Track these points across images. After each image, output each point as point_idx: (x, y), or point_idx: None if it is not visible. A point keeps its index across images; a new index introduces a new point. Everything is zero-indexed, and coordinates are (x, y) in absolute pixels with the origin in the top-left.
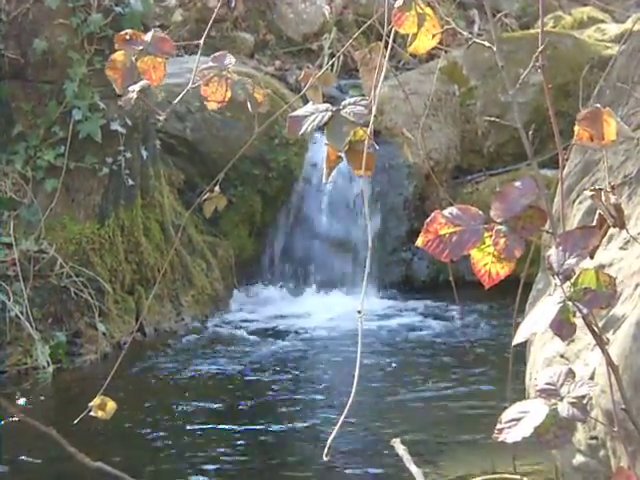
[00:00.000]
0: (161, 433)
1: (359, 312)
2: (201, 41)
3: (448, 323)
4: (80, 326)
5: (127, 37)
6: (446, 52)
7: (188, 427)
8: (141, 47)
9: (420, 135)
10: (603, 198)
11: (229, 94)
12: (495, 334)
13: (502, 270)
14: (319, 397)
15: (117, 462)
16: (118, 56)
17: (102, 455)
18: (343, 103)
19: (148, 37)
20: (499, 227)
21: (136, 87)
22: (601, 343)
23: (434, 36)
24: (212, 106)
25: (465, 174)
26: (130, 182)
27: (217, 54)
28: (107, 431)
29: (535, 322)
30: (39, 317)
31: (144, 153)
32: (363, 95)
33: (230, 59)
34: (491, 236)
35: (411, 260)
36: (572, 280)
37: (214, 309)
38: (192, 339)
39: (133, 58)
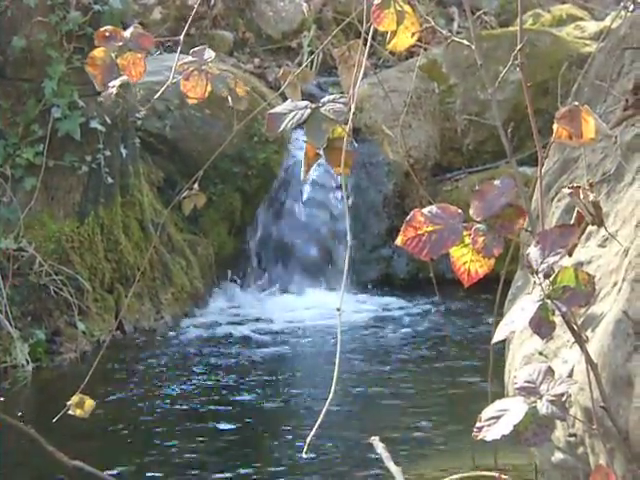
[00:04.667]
0: (140, 432)
1: (338, 309)
2: (181, 37)
3: (427, 320)
4: (59, 324)
5: (107, 34)
6: (425, 50)
7: (167, 425)
8: (121, 43)
9: (400, 133)
10: (581, 196)
11: (209, 88)
12: (475, 332)
13: (481, 269)
14: (298, 394)
15: (95, 460)
16: (98, 52)
17: (80, 453)
18: (322, 100)
19: (128, 33)
20: (478, 226)
21: (116, 82)
22: (580, 341)
23: (413, 34)
24: (192, 101)
25: (445, 172)
26: (109, 180)
27: (196, 49)
28: (86, 429)
29: (514, 320)
30: (18, 315)
31: (123, 151)
32: (342, 93)
33: (209, 53)
34: (470, 235)
35: (391, 258)
36: (551, 278)
37: (194, 307)
38: (172, 337)
39: (113, 54)
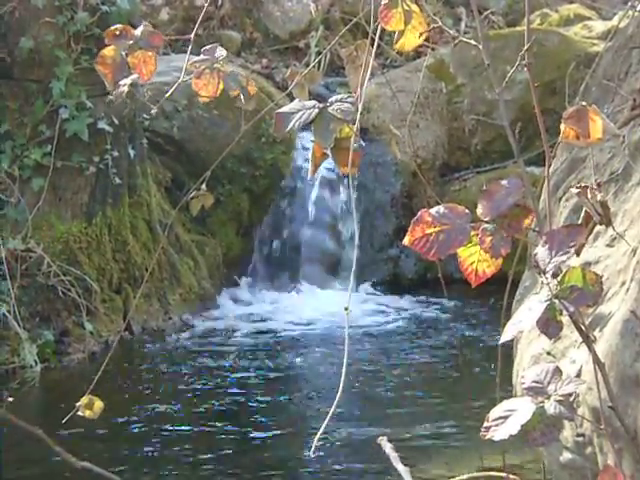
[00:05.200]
0: (148, 432)
1: (346, 309)
2: (191, 35)
3: (435, 321)
4: (68, 325)
5: (117, 32)
6: (433, 50)
7: (175, 426)
8: (131, 41)
9: (407, 133)
10: (589, 196)
11: (221, 86)
12: (483, 332)
13: (489, 269)
14: (306, 395)
15: (103, 461)
16: (108, 51)
17: (88, 454)
18: (330, 100)
19: (138, 31)
20: (486, 225)
21: (127, 81)
22: (588, 341)
23: (421, 34)
24: (204, 99)
25: (453, 172)
26: (117, 181)
27: (207, 47)
28: (94, 430)
29: (521, 320)
30: (26, 316)
31: (131, 152)
32: (350, 93)
33: (221, 51)
34: (478, 235)
35: (399, 257)
36: (559, 278)
37: (202, 308)
38: (180, 338)
39: (123, 53)
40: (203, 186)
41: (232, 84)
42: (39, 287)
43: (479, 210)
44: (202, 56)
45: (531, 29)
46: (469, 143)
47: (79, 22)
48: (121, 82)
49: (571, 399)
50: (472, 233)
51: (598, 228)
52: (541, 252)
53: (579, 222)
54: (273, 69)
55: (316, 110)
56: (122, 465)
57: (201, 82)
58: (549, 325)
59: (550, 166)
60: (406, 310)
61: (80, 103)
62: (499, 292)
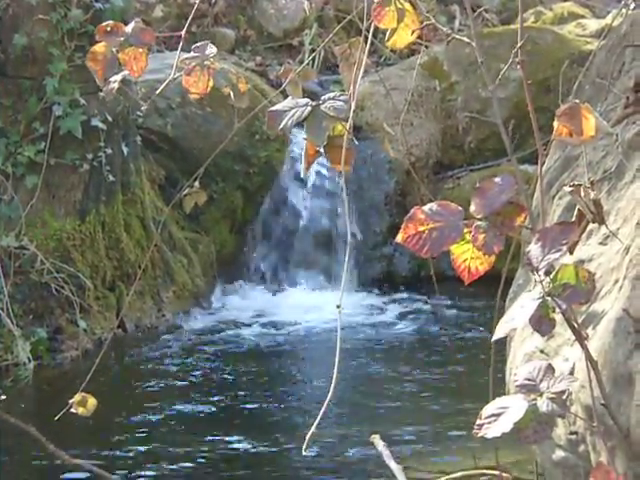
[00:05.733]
0: (141, 430)
1: (338, 307)
2: (182, 32)
3: (429, 318)
4: (61, 322)
5: (108, 28)
6: (427, 47)
7: (168, 424)
8: (122, 38)
9: (401, 131)
10: (582, 194)
11: (211, 83)
12: (476, 329)
13: (481, 266)
14: (299, 393)
15: (96, 459)
16: (99, 47)
17: (82, 452)
18: (322, 98)
19: (129, 28)
20: (478, 223)
21: (117, 77)
22: (580, 338)
23: (413, 31)
24: (194, 96)
25: (446, 170)
26: (111, 178)
27: (198, 44)
28: (87, 428)
29: (514, 317)
30: (20, 313)
31: (125, 149)
32: (343, 90)
33: (211, 49)
34: (471, 232)
35: (392, 255)
36: (551, 275)
37: (195, 305)
38: (173, 335)
39: (114, 49)
40: (196, 183)
41: (222, 81)
42: (32, 284)
43: (472, 207)
44: (193, 53)
45: (525, 27)
46: (463, 141)
47: (73, 19)
48: (111, 79)
49: (564, 397)
50: (465, 230)
51: (591, 226)
52: (534, 250)
53: (572, 220)
54: (267, 67)
55: (309, 108)
56: (114, 462)
57: (191, 79)
58: (541, 323)
59: (543, 164)
60: (399, 307)
61: (74, 100)
62: (493, 290)
